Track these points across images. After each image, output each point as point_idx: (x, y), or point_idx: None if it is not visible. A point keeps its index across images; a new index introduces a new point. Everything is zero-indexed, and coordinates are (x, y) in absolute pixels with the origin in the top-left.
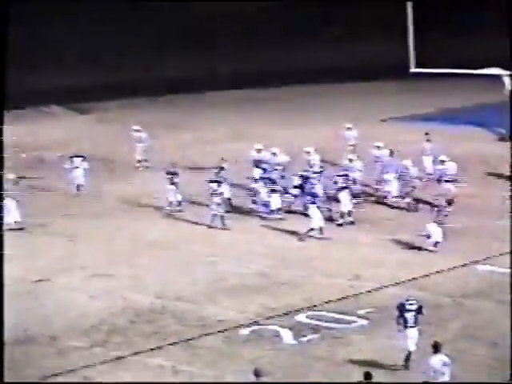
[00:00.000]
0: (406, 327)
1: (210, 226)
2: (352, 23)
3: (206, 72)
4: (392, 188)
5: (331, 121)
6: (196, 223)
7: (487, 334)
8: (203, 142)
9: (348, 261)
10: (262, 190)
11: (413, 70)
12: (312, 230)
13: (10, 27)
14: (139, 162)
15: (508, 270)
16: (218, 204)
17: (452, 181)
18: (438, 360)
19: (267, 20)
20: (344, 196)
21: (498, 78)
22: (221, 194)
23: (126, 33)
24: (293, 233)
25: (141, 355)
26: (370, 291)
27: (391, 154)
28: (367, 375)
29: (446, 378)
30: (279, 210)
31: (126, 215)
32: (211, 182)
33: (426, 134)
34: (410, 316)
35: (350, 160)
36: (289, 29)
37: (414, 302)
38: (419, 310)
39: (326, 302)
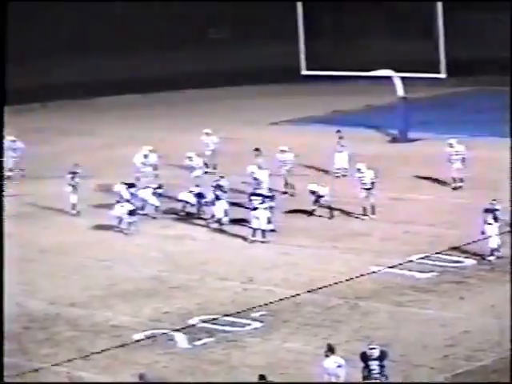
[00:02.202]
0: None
1: (119, 229)
2: (237, 24)
3: (97, 77)
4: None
5: (220, 125)
6: (93, 227)
7: (381, 336)
8: (100, 147)
9: (239, 263)
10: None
11: (304, 72)
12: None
13: None
14: (11, 170)
15: (404, 272)
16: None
17: (370, 188)
18: (332, 362)
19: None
20: (260, 213)
21: (388, 80)
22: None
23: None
24: (183, 237)
25: (34, 362)
26: (263, 294)
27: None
28: (262, 377)
29: (341, 380)
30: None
31: (17, 220)
32: (125, 184)
33: (338, 131)
34: (374, 365)
35: (253, 173)
36: (172, 31)
37: (376, 347)
38: (382, 358)
39: (220, 306)
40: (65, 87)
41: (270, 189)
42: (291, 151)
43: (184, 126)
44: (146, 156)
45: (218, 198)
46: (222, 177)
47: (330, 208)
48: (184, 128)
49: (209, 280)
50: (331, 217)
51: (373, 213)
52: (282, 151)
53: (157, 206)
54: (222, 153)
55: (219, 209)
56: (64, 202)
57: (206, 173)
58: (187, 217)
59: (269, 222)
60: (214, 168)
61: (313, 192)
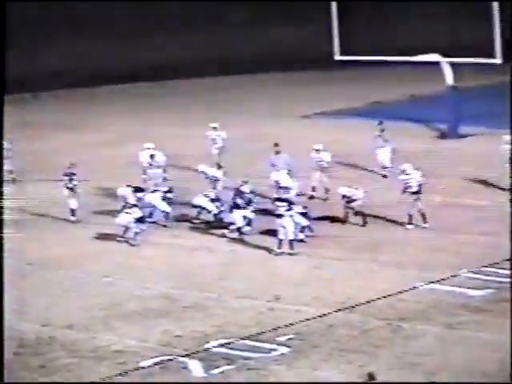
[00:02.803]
0: None
1: (124, 240)
2: (263, 5)
3: (97, 64)
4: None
5: (241, 119)
6: (94, 237)
7: (427, 363)
8: (98, 145)
9: (262, 279)
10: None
11: (338, 57)
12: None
13: None
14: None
15: (455, 289)
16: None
17: (417, 192)
18: None
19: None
20: (286, 221)
21: (436, 66)
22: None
23: None
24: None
25: None
26: (291, 314)
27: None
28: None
29: None
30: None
31: (5, 230)
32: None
33: (380, 123)
34: None
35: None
36: (188, 12)
37: None
38: None
39: (241, 328)
40: (59, 75)
41: (299, 194)
42: (327, 150)
43: (198, 119)
44: (152, 156)
45: (237, 205)
46: (245, 182)
47: (363, 214)
48: (198, 122)
49: (228, 298)
50: (364, 223)
51: (424, 221)
52: (317, 150)
53: (167, 213)
54: (242, 152)
55: (239, 216)
56: (59, 208)
57: (213, 180)
58: (203, 225)
59: (302, 230)
60: (219, 167)
61: (344, 196)
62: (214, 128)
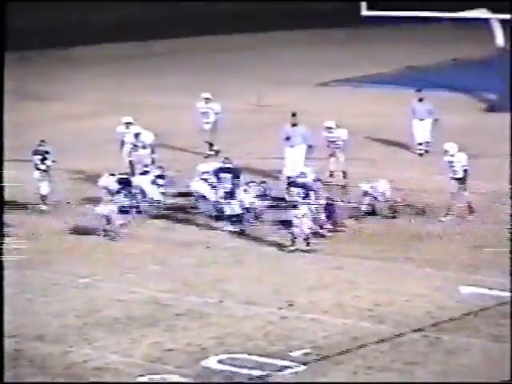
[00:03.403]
0: None
1: (105, 233)
2: None
3: (67, 21)
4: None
5: (246, 86)
6: (70, 230)
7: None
8: (70, 117)
9: (274, 281)
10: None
11: (364, 13)
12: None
13: None
14: None
15: (503, 294)
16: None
17: (462, 179)
18: None
19: None
20: (302, 212)
21: (484, 24)
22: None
23: None
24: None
25: None
26: (306, 324)
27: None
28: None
29: None
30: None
31: None
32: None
33: (418, 90)
34: None
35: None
36: None
37: None
38: None
39: (246, 340)
40: (21, 34)
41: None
42: (342, 128)
43: (195, 87)
44: (137, 135)
45: (232, 193)
46: (226, 158)
47: (393, 204)
48: (195, 90)
49: (230, 304)
50: (394, 215)
51: (471, 212)
52: (329, 128)
53: (158, 202)
54: (246, 126)
55: (245, 205)
56: (28, 194)
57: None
58: (200, 216)
59: (321, 222)
60: (211, 145)
61: (366, 193)
62: (206, 99)
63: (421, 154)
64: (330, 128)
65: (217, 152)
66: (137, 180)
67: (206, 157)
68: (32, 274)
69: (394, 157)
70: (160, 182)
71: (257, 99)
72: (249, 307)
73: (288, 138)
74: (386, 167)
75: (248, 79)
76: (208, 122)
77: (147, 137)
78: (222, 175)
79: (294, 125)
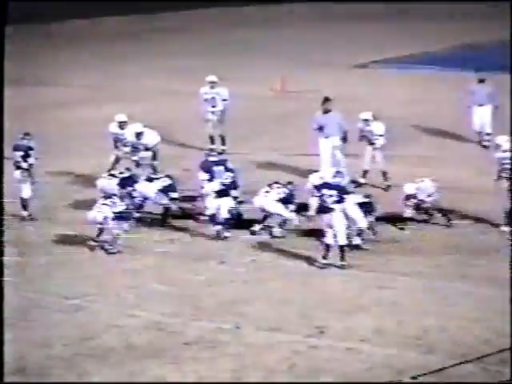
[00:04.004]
0: None
1: (98, 244)
2: None
3: None
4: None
5: (268, 69)
6: (55, 241)
7: None
8: (58, 105)
9: (302, 303)
10: None
11: None
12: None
13: None
14: None
15: None
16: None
17: None
18: None
19: None
20: (336, 219)
21: None
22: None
23: None
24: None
25: None
26: (340, 355)
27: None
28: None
29: None
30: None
31: None
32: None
33: (477, 70)
34: None
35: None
36: None
37: None
38: None
39: (268, 373)
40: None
41: (353, 181)
42: (380, 119)
43: (208, 70)
44: (139, 135)
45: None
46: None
47: (444, 211)
48: (207, 74)
49: (249, 330)
50: (448, 224)
51: None
52: (365, 121)
53: (167, 209)
54: (268, 116)
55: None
56: (7, 198)
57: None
58: (212, 224)
59: (359, 231)
60: (212, 139)
61: (410, 196)
62: (212, 83)
63: (485, 146)
64: (367, 120)
65: (223, 150)
66: (141, 186)
67: (221, 153)
68: (10, 293)
69: (446, 152)
70: (173, 195)
71: (281, 84)
72: (271, 334)
73: (321, 128)
74: (437, 165)
75: (270, 60)
76: (214, 112)
77: (151, 138)
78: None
79: (326, 111)
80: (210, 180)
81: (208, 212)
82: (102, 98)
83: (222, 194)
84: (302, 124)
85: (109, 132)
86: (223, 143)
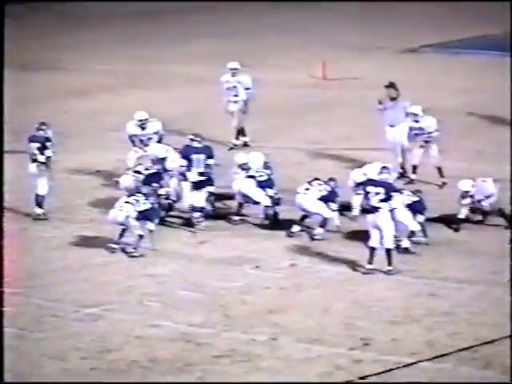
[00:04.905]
0: None
1: (120, 247)
2: None
3: None
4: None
5: (307, 54)
6: (73, 243)
7: None
8: (74, 93)
9: (345, 312)
10: None
11: None
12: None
13: None
14: None
15: None
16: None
17: None
18: None
19: None
20: (383, 220)
21: None
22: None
23: None
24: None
25: None
26: (390, 369)
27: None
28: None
29: None
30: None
31: None
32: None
33: None
34: None
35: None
36: None
37: None
38: None
39: None
40: None
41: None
42: (429, 115)
43: (237, 55)
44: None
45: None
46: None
47: (502, 212)
48: (236, 59)
49: (286, 342)
50: (509, 225)
51: None
52: (415, 115)
53: (202, 209)
54: (309, 105)
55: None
56: (21, 195)
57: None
58: (247, 225)
59: (409, 233)
60: (240, 134)
61: (466, 194)
62: (233, 70)
63: None
64: (416, 115)
65: (245, 143)
66: (175, 183)
67: (232, 148)
68: (22, 301)
69: (504, 146)
70: (210, 189)
71: (322, 70)
72: (311, 347)
73: (391, 120)
74: (497, 161)
75: (308, 45)
76: (236, 101)
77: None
78: None
79: (392, 98)
80: (188, 169)
81: (185, 203)
82: (122, 86)
83: (198, 186)
84: (345, 114)
85: (126, 132)
86: (243, 135)
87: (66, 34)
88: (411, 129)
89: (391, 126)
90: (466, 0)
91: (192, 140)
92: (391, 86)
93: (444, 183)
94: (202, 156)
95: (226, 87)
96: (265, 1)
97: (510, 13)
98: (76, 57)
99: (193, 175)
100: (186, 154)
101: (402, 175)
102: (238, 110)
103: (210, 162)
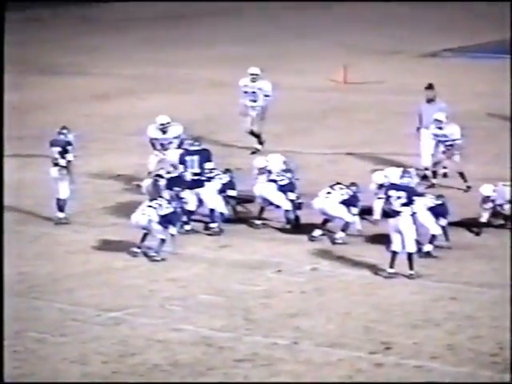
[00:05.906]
0: None
1: (142, 251)
2: None
3: None
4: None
5: (327, 57)
6: (95, 247)
7: None
8: (95, 97)
9: (366, 316)
10: None
11: None
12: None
13: None
14: None
15: None
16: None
17: None
18: None
19: None
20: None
21: None
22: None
23: None
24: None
25: None
26: (410, 374)
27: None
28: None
29: None
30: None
31: None
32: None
33: None
34: None
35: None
36: None
37: None
38: None
39: None
40: None
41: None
42: (452, 123)
43: (258, 59)
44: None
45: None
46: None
47: None
48: (257, 63)
49: (308, 346)
50: None
51: None
52: (438, 121)
53: (222, 214)
54: (329, 110)
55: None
56: (41, 199)
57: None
58: (267, 228)
59: (431, 238)
60: (259, 141)
61: (487, 199)
62: (253, 75)
63: None
64: (440, 122)
65: (257, 150)
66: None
67: (254, 152)
68: (43, 305)
69: None
70: (231, 193)
71: (343, 74)
72: (332, 351)
73: (422, 118)
74: None
75: (329, 48)
76: (255, 107)
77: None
78: None
79: (430, 100)
80: (184, 171)
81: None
82: (144, 90)
83: (192, 186)
84: (366, 118)
85: (147, 136)
86: (260, 142)
87: (88, 38)
88: (435, 135)
89: (427, 128)
90: (487, 0)
91: (191, 144)
92: (430, 87)
93: (469, 187)
94: (196, 157)
95: (245, 92)
96: (290, 1)
97: (511, 13)
98: (98, 61)
99: (188, 176)
100: (181, 157)
101: (434, 175)
102: (256, 115)
103: (209, 165)
